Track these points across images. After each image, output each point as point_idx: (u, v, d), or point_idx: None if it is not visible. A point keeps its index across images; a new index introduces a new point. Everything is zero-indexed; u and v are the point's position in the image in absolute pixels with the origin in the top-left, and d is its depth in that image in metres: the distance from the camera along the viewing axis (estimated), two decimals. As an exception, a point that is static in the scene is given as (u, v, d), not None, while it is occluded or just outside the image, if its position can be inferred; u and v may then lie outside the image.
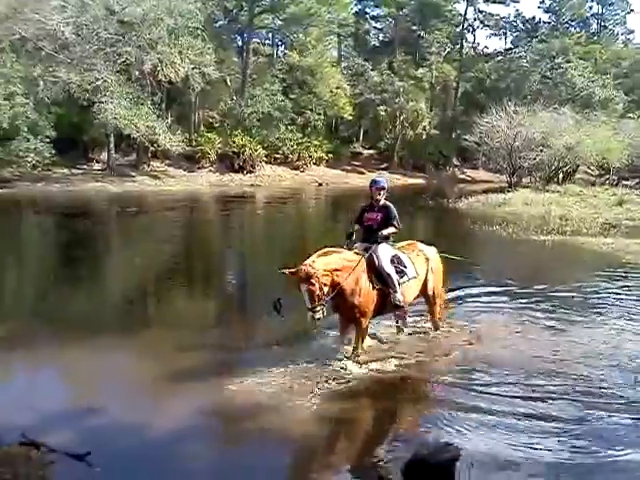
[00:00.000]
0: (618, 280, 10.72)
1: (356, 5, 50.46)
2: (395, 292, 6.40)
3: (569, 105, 38.58)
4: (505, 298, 9.17)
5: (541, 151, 31.57)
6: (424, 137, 46.32)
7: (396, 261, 6.55)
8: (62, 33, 25.91)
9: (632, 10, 60.06)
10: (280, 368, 5.95)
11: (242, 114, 36.74)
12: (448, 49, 52.10)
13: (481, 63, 52.43)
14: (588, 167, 38.66)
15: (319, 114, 41.16)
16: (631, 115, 44.73)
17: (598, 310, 8.62)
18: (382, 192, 6.76)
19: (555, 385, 5.84)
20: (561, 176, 34.64)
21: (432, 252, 7.23)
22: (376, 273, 6.37)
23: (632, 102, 49.45)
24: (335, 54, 48.94)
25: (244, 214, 22.92)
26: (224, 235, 17.87)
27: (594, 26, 58.47)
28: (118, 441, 4.73)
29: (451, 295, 8.75)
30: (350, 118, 43.94)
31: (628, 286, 10.28)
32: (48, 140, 26.46)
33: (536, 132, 31.63)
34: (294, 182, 36.33)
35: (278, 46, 46.69)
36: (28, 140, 25.55)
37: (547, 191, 27.62)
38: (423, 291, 7.00)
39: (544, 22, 56.13)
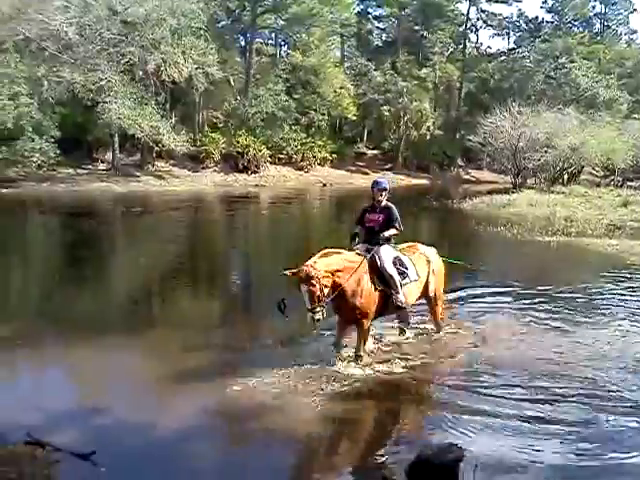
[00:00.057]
0: (623, 281, 10.70)
1: (358, 5, 50.49)
2: (397, 293, 6.39)
3: (573, 105, 38.47)
4: (510, 299, 9.17)
5: (545, 152, 31.49)
6: (428, 137, 46.23)
7: (398, 263, 6.55)
8: (65, 33, 25.97)
9: (635, 10, 60.02)
10: (284, 369, 5.95)
11: (246, 114, 36.76)
12: (451, 49, 51.99)
13: (484, 63, 52.30)
14: (593, 168, 38.53)
15: (323, 114, 41.15)
16: (635, 116, 44.64)
17: (603, 311, 8.62)
18: (384, 193, 6.75)
19: (560, 387, 5.82)
20: (566, 177, 34.55)
21: (433, 254, 7.22)
22: (378, 274, 6.36)
23: (636, 102, 49.34)
24: (338, 54, 48.91)
25: (248, 214, 22.94)
26: (229, 235, 17.90)
27: (597, 26, 58.28)
28: (123, 440, 4.75)
29: (455, 295, 8.77)
30: (354, 118, 43.92)
31: (633, 287, 10.25)
32: (53, 140, 26.50)
33: (540, 133, 31.55)
34: (298, 182, 36.33)
35: (281, 46, 46.76)
36: (33, 140, 25.62)
37: (552, 192, 27.54)
38: (424, 293, 7.00)
39: (547, 22, 55.99)
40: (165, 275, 11.46)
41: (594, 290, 10.02)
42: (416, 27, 50.62)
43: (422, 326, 7.47)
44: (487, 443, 4.71)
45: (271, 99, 36.94)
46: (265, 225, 20.89)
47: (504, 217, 19.46)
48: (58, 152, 26.86)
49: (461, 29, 52.33)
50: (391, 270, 6.40)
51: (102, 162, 31.98)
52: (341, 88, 41.47)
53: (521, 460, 4.51)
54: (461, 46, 52.39)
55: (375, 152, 47.25)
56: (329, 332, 6.83)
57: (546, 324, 7.88)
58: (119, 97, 27.57)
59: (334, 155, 41.16)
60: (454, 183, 41.89)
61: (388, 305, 6.46)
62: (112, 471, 4.24)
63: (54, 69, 26.52)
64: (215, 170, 35.08)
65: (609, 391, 5.75)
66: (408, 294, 6.59)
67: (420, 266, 6.85)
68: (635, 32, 61.42)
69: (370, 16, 52.47)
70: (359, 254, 6.39)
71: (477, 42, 57.24)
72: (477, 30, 55.99)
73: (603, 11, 57.51)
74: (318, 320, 5.84)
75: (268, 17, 41.06)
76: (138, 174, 31.24)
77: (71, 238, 15.46)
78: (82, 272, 11.25)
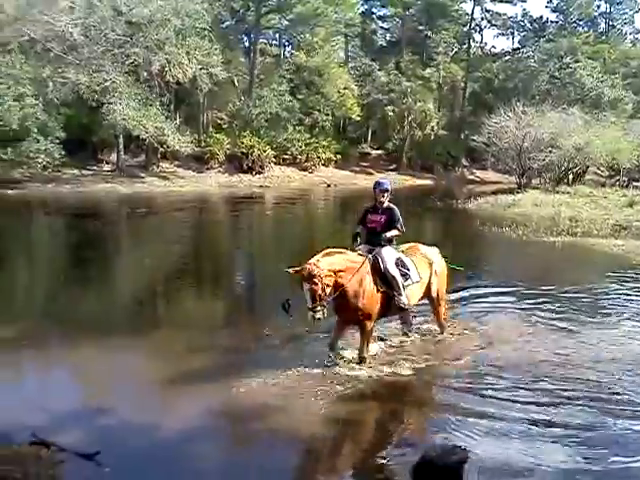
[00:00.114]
0: (628, 282, 10.67)
1: (363, 5, 50.51)
2: (400, 295, 6.39)
3: (578, 105, 38.31)
4: (514, 299, 9.15)
5: (550, 152, 31.36)
6: (432, 137, 46.15)
7: (400, 264, 6.54)
8: (70, 34, 26.11)
9: (640, 9, 59.52)
10: (288, 370, 5.95)
11: (250, 115, 36.80)
12: (455, 49, 51.94)
13: (489, 63, 52.20)
14: (598, 168, 38.38)
15: (327, 114, 41.14)
16: (641, 115, 44.40)
17: (608, 312, 8.60)
18: (386, 194, 6.74)
19: (566, 390, 5.79)
20: (571, 177, 34.39)
21: (436, 254, 7.21)
22: (381, 276, 6.35)
23: (641, 102, 49.11)
24: (342, 54, 48.91)
25: (253, 215, 22.97)
26: (233, 236, 17.91)
27: (602, 25, 58.04)
28: (127, 441, 4.76)
29: (457, 296, 8.74)
30: (358, 118, 43.86)
31: (638, 288, 10.20)
32: (58, 141, 26.54)
33: (545, 133, 31.44)
34: (303, 183, 36.34)
35: (285, 46, 46.79)
36: (38, 141, 25.67)
37: (557, 192, 27.42)
38: (427, 293, 6.99)
39: (552, 21, 55.84)
40: (170, 276, 11.48)
41: (599, 290, 10.00)
42: (420, 27, 50.59)
43: (425, 327, 7.46)
44: (492, 446, 4.69)
45: (275, 99, 36.95)
46: (269, 226, 20.90)
47: (509, 217, 19.40)
48: (63, 153, 26.88)
49: (465, 29, 52.23)
50: (394, 271, 6.40)
51: (107, 163, 32.05)
52: (345, 88, 41.43)
53: (527, 463, 4.48)
54: (465, 46, 52.33)
55: (379, 152, 47.20)
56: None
57: (551, 325, 7.84)
58: (124, 98, 27.65)
59: (338, 155, 41.16)
60: (458, 183, 41.80)
61: (391, 306, 6.45)
62: (116, 471, 4.25)
63: (59, 70, 26.63)
64: (219, 171, 35.12)
65: (615, 394, 5.72)
66: (410, 295, 6.58)
67: (422, 267, 6.84)
68: (640, 32, 61.01)
69: (374, 16, 52.53)
70: (361, 254, 6.39)
71: (481, 42, 57.26)
72: (481, 30, 56.00)
73: (608, 10, 57.29)
74: (319, 319, 5.84)
75: (272, 17, 41.09)
76: (143, 175, 31.30)
77: (76, 239, 15.51)
78: (87, 273, 11.28)
